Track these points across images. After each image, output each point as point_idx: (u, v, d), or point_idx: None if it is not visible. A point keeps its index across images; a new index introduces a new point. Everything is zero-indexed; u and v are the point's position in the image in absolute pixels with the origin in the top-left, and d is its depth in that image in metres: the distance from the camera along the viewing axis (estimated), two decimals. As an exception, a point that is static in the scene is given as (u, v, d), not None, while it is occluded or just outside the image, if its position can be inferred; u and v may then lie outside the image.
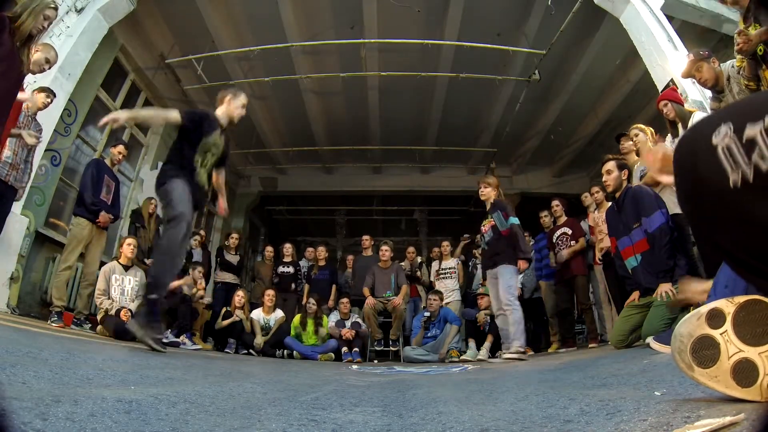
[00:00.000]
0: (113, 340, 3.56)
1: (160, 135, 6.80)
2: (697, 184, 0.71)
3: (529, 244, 4.80)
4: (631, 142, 3.96)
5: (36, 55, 2.73)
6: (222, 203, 3.42)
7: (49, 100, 3.58)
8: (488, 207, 4.31)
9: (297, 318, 5.32)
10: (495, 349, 4.82)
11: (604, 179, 3.27)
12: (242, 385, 1.66)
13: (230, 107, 3.08)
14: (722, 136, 0.65)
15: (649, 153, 1.32)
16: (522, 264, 4.05)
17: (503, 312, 3.98)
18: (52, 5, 2.23)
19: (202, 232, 6.43)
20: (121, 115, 2.91)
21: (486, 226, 4.28)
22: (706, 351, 0.89)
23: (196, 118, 2.90)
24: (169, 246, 2.68)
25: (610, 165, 3.23)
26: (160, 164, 6.90)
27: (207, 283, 5.99)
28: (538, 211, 5.53)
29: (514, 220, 4.10)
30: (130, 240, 4.36)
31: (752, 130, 0.61)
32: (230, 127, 3.15)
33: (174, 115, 2.85)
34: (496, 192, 4.36)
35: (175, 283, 4.70)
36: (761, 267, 0.66)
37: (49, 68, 3.08)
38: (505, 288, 3.98)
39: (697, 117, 3.12)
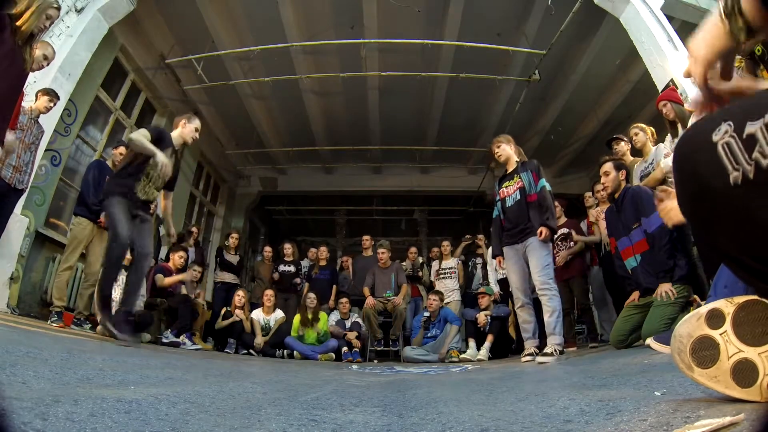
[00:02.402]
0: (113, 340, 3.56)
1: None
2: (697, 182, 0.70)
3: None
4: (623, 144, 3.97)
5: (34, 52, 2.73)
6: (170, 230, 3.57)
7: (52, 104, 3.58)
8: (510, 168, 3.60)
9: (297, 317, 5.31)
10: (495, 349, 4.81)
11: (602, 181, 3.25)
12: (242, 385, 1.66)
13: (184, 130, 3.31)
14: (722, 134, 0.64)
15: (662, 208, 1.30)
16: (544, 231, 3.24)
17: (526, 302, 3.33)
18: (55, 5, 2.24)
19: (195, 228, 6.39)
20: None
21: (511, 188, 3.52)
22: (705, 351, 0.89)
23: (157, 134, 3.16)
24: (108, 262, 3.05)
25: (608, 166, 3.21)
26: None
27: (201, 279, 5.98)
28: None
29: (545, 184, 3.39)
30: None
31: (752, 127, 0.61)
32: (183, 148, 3.46)
33: (148, 144, 3.04)
34: (516, 149, 3.63)
35: (176, 278, 4.73)
36: (762, 269, 0.65)
37: (48, 65, 3.09)
38: (540, 267, 3.21)
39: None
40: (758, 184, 0.59)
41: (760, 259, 0.65)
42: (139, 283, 3.26)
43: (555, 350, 3.06)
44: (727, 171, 0.62)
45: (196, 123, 3.37)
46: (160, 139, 3.16)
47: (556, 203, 4.95)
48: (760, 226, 0.61)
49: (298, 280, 6.24)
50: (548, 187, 3.39)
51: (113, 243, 2.97)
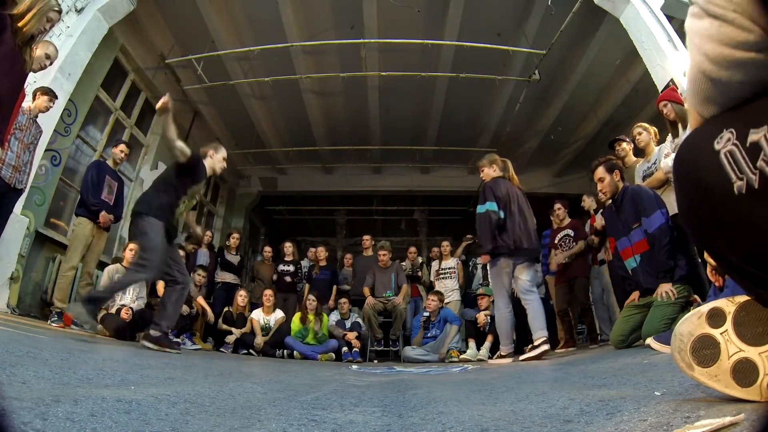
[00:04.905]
0: (113, 340, 3.57)
1: (160, 135, 6.80)
2: (698, 190, 0.69)
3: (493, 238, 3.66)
4: (626, 145, 3.97)
5: (35, 52, 2.73)
6: (197, 230, 3.98)
7: (51, 104, 3.58)
8: None
9: (297, 317, 5.31)
10: (495, 349, 4.81)
11: (598, 188, 3.14)
12: (242, 385, 1.66)
13: (213, 161, 3.31)
14: (724, 142, 0.63)
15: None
16: (483, 258, 3.79)
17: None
18: (57, 8, 2.24)
19: (209, 233, 6.42)
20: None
21: None
22: (706, 350, 0.89)
23: (197, 163, 3.11)
24: (124, 282, 3.06)
25: (600, 172, 3.10)
26: (161, 164, 6.94)
27: (211, 285, 5.97)
28: (538, 212, 5.48)
29: (480, 208, 3.63)
30: (132, 245, 4.37)
31: (756, 135, 0.59)
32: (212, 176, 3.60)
33: (186, 150, 3.03)
34: (494, 170, 3.95)
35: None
36: (765, 277, 0.64)
37: (50, 64, 3.09)
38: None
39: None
40: (763, 194, 0.58)
41: (763, 268, 0.64)
42: (179, 307, 3.24)
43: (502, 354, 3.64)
44: (730, 180, 0.61)
45: (224, 152, 3.38)
46: (197, 167, 3.11)
47: (559, 205, 4.98)
48: (764, 236, 0.60)
49: (288, 278, 6.23)
50: (482, 210, 3.57)
51: (146, 269, 2.87)
